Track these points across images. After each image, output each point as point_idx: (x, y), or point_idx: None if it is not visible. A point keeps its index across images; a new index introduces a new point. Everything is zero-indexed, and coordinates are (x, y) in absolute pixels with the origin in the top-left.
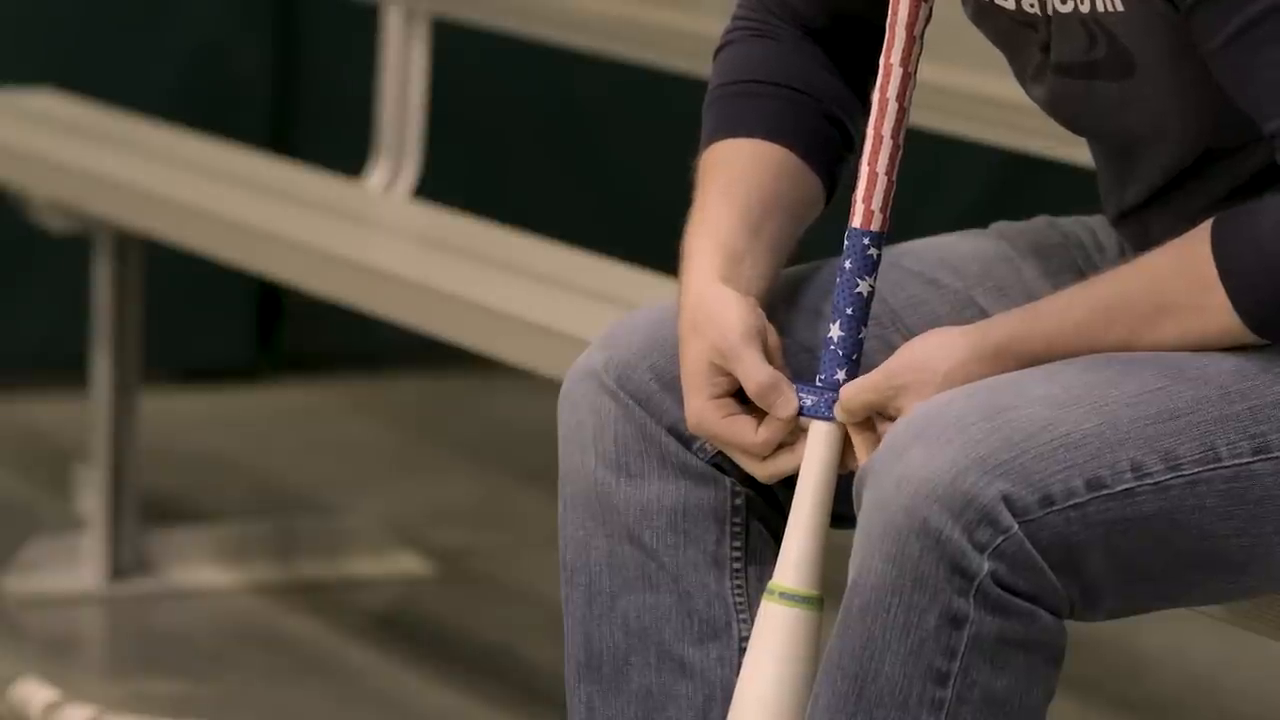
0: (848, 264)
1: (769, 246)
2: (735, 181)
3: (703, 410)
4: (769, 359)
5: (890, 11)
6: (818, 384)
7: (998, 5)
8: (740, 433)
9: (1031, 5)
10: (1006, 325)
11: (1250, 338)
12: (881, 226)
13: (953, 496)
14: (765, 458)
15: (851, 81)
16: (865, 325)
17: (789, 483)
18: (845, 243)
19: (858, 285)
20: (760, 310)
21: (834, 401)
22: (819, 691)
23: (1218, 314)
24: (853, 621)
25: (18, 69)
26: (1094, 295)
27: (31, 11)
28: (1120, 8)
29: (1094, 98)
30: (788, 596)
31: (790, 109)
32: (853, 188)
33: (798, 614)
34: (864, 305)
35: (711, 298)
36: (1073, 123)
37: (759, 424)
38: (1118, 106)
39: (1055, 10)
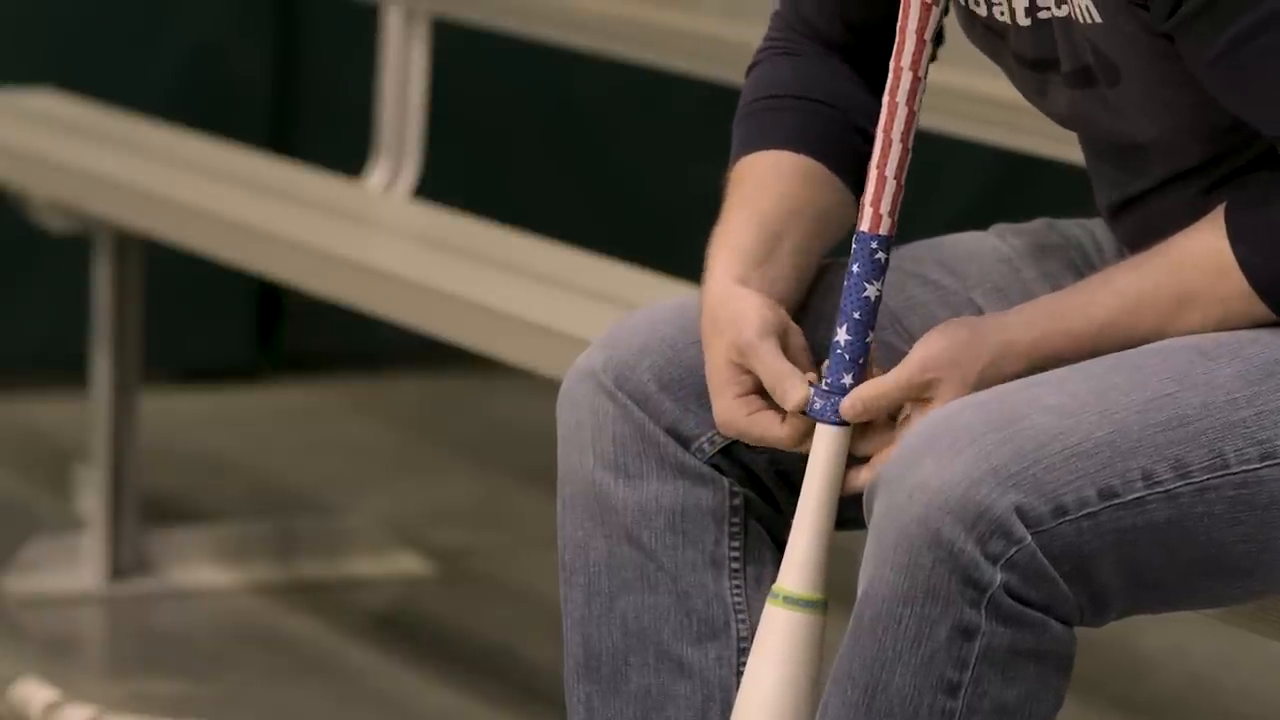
0: (855, 268)
1: (792, 251)
2: (755, 190)
3: (728, 410)
4: (794, 359)
5: (900, 15)
6: (824, 387)
7: (972, 12)
8: (766, 428)
9: (1002, 14)
10: (1033, 325)
11: (1271, 317)
12: (890, 231)
13: (965, 508)
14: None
15: (879, 95)
16: (873, 329)
17: (789, 483)
18: (853, 246)
19: (865, 289)
20: (780, 309)
21: (839, 406)
22: (829, 700)
23: (1240, 300)
24: (864, 632)
25: (18, 69)
26: (1116, 291)
27: (31, 11)
28: (1098, 19)
29: (1088, 105)
30: (791, 600)
31: (813, 119)
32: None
33: (801, 618)
34: (871, 309)
35: (729, 297)
36: (1071, 127)
37: (784, 418)
38: (1113, 113)
39: (1036, 19)
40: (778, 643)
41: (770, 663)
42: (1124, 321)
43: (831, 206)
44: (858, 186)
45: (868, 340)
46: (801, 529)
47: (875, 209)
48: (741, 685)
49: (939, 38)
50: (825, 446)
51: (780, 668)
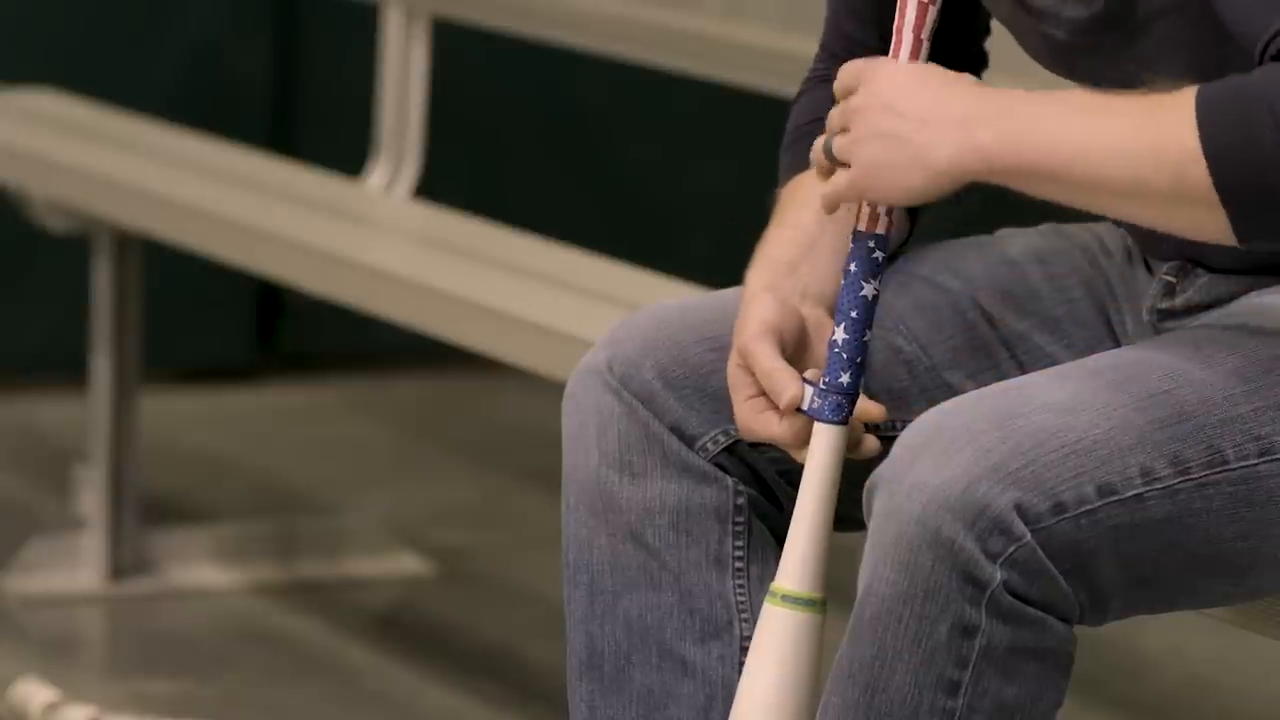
0: (852, 266)
1: (831, 253)
2: (793, 206)
3: (740, 411)
4: (821, 357)
5: (898, 14)
6: (822, 386)
7: None
8: (767, 428)
9: None
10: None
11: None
12: (886, 229)
13: (965, 506)
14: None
15: None
16: (870, 328)
17: (792, 483)
18: (850, 245)
19: (862, 288)
20: (793, 309)
21: (837, 405)
22: (829, 700)
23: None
24: (864, 630)
25: (18, 69)
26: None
27: (31, 11)
28: None
29: (1099, 56)
30: (790, 599)
31: None
32: None
33: (800, 617)
34: (869, 308)
35: (744, 303)
36: (1073, 77)
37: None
38: (1112, 57)
39: None
40: (776, 642)
41: (769, 663)
42: (1080, 140)
43: None
44: None
45: (865, 339)
46: (799, 528)
47: (873, 208)
48: (740, 685)
49: (984, 59)
50: (823, 445)
51: (779, 668)
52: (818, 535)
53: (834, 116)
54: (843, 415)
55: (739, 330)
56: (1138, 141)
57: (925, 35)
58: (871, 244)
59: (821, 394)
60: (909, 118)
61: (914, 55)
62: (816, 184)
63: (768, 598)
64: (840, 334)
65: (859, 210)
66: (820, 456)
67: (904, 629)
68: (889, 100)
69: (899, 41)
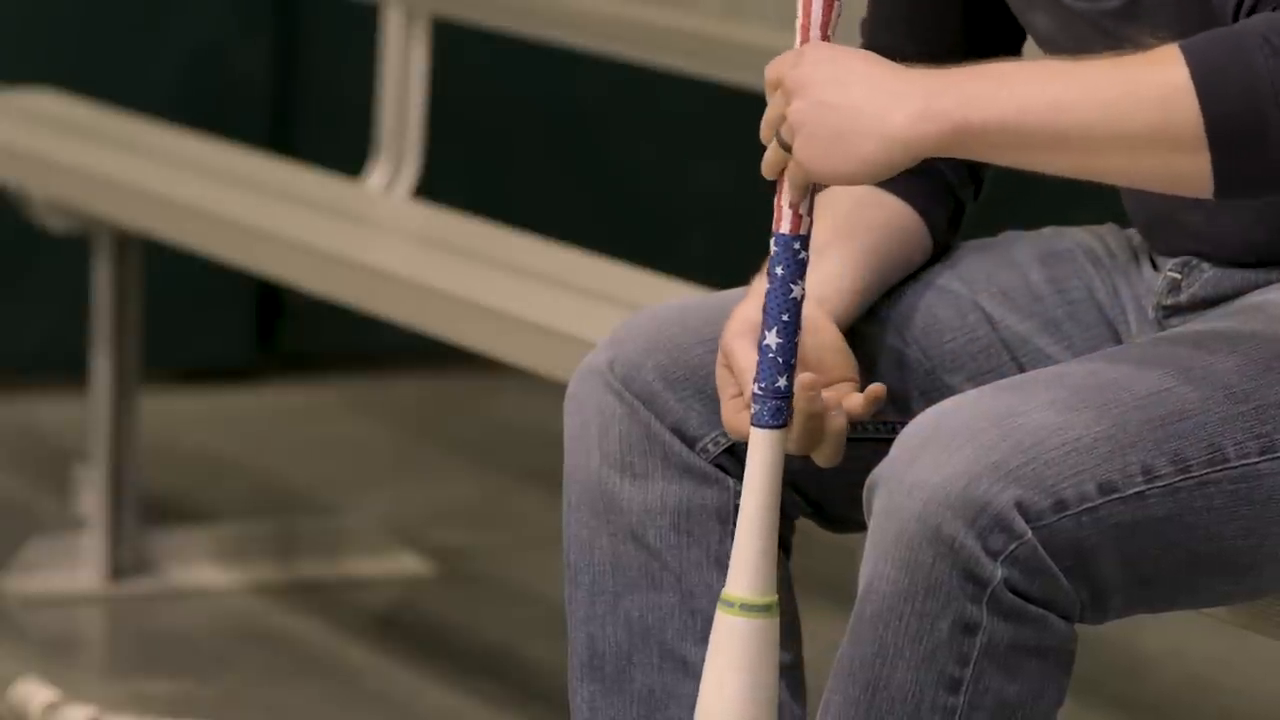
0: (779, 270)
1: (833, 260)
2: None
3: (725, 410)
4: (817, 358)
5: (802, 13)
6: (758, 392)
7: None
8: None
9: None
10: (962, 90)
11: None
12: (809, 229)
13: (966, 504)
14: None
15: None
16: (800, 330)
17: (791, 483)
18: (774, 249)
19: (791, 290)
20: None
21: (775, 409)
22: (830, 698)
23: (1181, 97)
24: (864, 628)
25: (18, 69)
26: (1055, 69)
27: (31, 11)
28: None
29: (1099, 37)
30: (747, 608)
31: None
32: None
33: (756, 624)
34: (799, 310)
35: (737, 306)
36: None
37: None
38: (1112, 35)
39: None
40: (739, 652)
41: (729, 671)
42: (1054, 92)
43: (890, 221)
44: (923, 205)
45: (796, 341)
46: (745, 535)
47: (795, 210)
48: (701, 696)
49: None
50: (761, 450)
51: (738, 674)
52: (763, 540)
53: (774, 101)
54: (781, 419)
55: (725, 329)
56: (1115, 85)
57: (831, 33)
58: (796, 245)
59: (758, 399)
60: (857, 86)
61: None
62: (825, 195)
63: (720, 606)
64: (773, 338)
65: (779, 212)
66: (760, 461)
67: (905, 626)
68: (834, 72)
69: (805, 41)
